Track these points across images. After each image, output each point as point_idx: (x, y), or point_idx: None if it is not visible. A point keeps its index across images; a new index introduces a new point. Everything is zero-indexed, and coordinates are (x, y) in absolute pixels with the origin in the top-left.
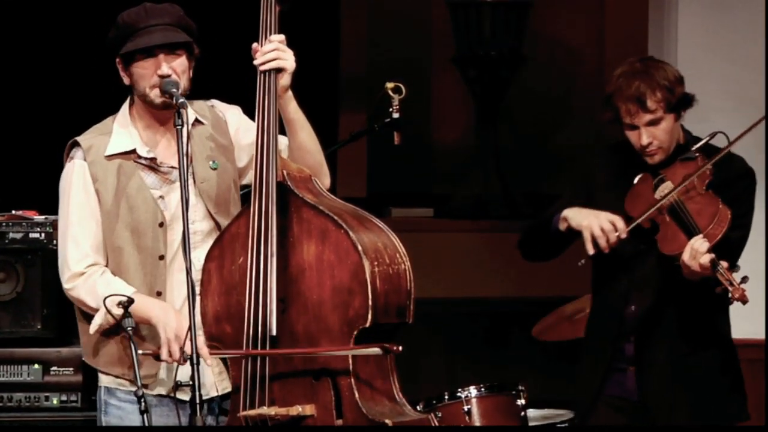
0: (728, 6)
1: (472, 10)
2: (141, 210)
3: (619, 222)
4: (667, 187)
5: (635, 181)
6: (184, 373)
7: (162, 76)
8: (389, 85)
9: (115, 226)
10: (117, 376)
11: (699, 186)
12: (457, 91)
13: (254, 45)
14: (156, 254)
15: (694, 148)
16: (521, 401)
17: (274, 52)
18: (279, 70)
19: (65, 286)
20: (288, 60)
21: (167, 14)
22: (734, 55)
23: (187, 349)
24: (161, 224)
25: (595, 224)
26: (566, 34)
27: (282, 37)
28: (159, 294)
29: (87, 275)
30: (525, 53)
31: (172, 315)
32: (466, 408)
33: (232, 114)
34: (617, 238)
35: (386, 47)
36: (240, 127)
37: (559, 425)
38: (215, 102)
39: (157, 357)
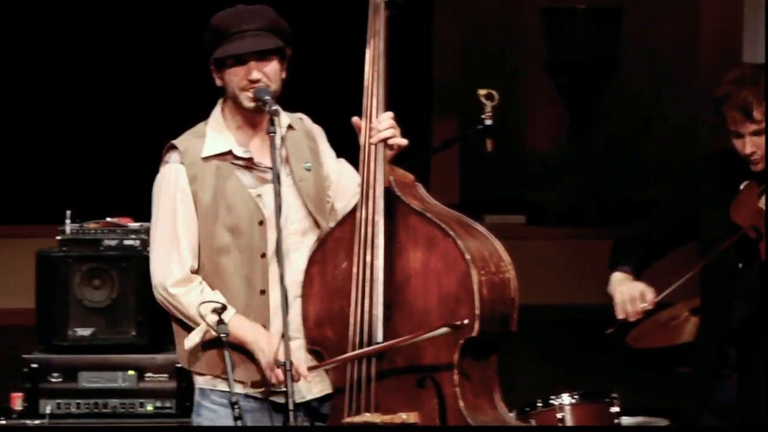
0: None
1: (565, 17)
2: (240, 209)
3: (649, 294)
4: None
5: (741, 187)
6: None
7: (252, 81)
8: (482, 91)
9: (214, 227)
10: (217, 376)
11: None
12: (549, 98)
13: (354, 119)
14: (257, 252)
15: None
16: (615, 408)
17: (389, 130)
18: (390, 146)
19: (171, 290)
20: (399, 137)
21: (259, 18)
22: None
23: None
24: (261, 222)
25: (626, 292)
26: (660, 41)
27: (392, 114)
28: (263, 292)
29: (188, 290)
30: (618, 60)
31: (265, 339)
32: (559, 416)
33: (318, 132)
34: (643, 309)
35: (479, 54)
36: (325, 149)
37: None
38: (303, 116)
39: (263, 384)
